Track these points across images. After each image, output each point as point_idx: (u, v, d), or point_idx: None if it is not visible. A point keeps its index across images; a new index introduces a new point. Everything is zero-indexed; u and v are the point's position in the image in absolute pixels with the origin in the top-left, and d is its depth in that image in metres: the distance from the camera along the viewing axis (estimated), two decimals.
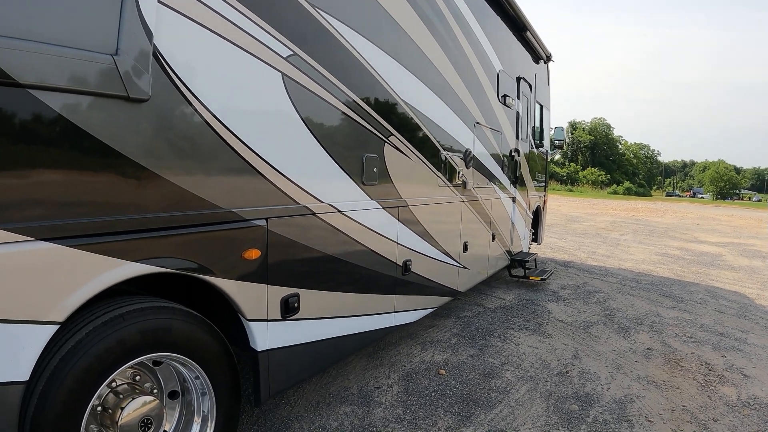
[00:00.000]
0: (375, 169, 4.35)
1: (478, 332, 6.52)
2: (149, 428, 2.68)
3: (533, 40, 9.44)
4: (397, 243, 4.85)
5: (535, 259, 9.95)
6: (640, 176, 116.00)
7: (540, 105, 10.73)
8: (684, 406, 4.82)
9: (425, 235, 5.42)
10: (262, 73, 3.11)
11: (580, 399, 4.80)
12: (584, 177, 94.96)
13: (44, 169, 2.06)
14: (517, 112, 8.74)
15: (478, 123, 6.70)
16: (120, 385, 2.64)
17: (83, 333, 2.30)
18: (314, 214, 3.63)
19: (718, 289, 10.30)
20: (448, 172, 5.89)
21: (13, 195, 1.96)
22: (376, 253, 4.51)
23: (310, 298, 3.66)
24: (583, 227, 21.95)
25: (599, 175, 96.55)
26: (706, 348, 6.49)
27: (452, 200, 6.10)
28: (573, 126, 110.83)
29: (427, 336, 6.24)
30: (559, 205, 38.42)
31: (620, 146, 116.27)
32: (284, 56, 3.24)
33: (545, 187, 12.03)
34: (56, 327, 2.15)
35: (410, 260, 5.12)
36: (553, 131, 12.07)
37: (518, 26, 8.64)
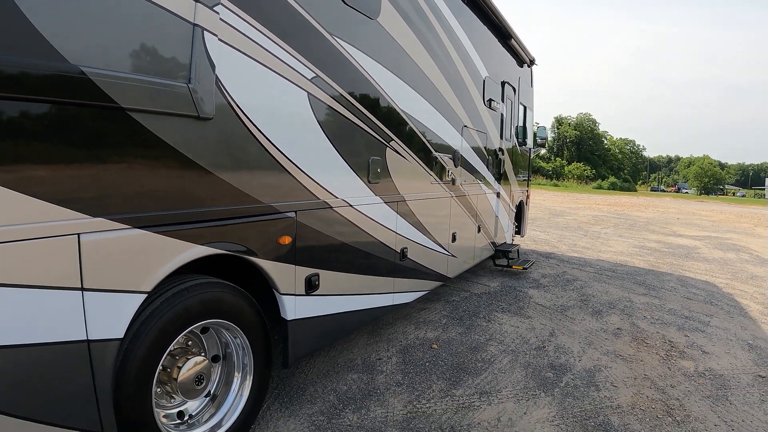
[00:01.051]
0: (378, 169, 5.05)
1: (465, 314, 7.23)
2: (201, 383, 3.37)
3: (517, 47, 10.16)
4: (396, 233, 5.54)
5: (518, 250, 10.66)
6: (625, 171, 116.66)
7: (524, 106, 11.44)
8: (646, 375, 5.49)
9: (419, 226, 6.11)
10: (292, 93, 3.79)
11: (555, 368, 5.49)
12: (570, 172, 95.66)
13: (135, 173, 2.70)
14: (502, 114, 9.45)
15: (465, 126, 7.40)
16: (175, 348, 3.30)
17: (159, 302, 2.95)
18: (331, 207, 4.33)
19: (689, 279, 10.96)
20: (439, 170, 6.59)
21: (114, 193, 2.60)
22: (379, 241, 5.20)
23: (327, 278, 4.37)
24: (566, 221, 22.65)
25: (584, 170, 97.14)
26: (671, 329, 7.16)
27: (442, 195, 6.80)
28: (559, 121, 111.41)
29: (420, 317, 6.94)
30: (543, 199, 39.06)
31: (606, 141, 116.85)
32: (309, 78, 3.92)
33: (528, 182, 12.76)
34: (144, 296, 2.81)
35: (407, 248, 5.81)
36: (536, 130, 12.82)
37: (503, 34, 9.35)
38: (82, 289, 2.45)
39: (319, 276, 4.23)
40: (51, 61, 2.26)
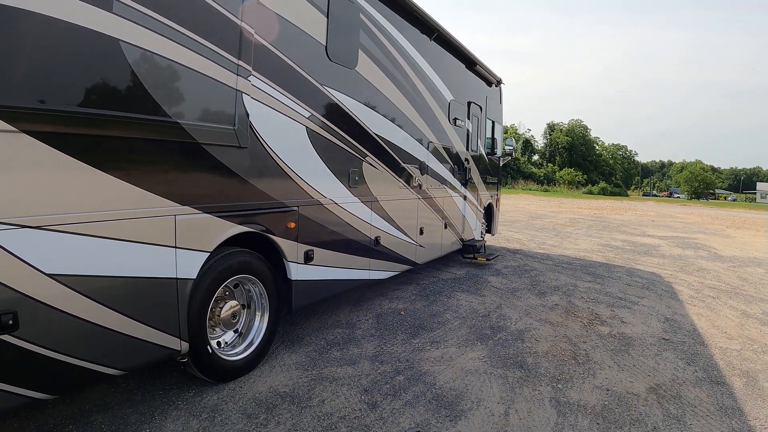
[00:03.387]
0: (357, 177, 6.87)
1: (431, 293, 9.02)
2: (235, 318, 5.17)
3: (482, 71, 12.03)
4: (371, 225, 7.35)
5: (484, 245, 12.49)
6: (617, 176, 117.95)
7: (492, 121, 13.31)
8: (566, 335, 7.08)
9: (390, 221, 7.91)
10: (295, 128, 5.66)
11: (493, 328, 7.19)
12: (561, 177, 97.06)
13: (204, 179, 4.50)
14: (468, 130, 11.30)
15: (431, 142, 9.23)
16: (220, 296, 5.04)
17: (215, 259, 4.73)
18: (322, 204, 6.18)
19: (637, 270, 12.46)
20: (407, 178, 8.41)
21: (193, 192, 4.38)
22: (358, 230, 7.01)
23: (319, 253, 6.19)
24: (543, 223, 24.30)
25: (576, 176, 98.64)
26: (601, 306, 8.72)
27: (410, 197, 8.61)
28: (551, 127, 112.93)
29: (394, 294, 8.74)
30: (528, 204, 40.65)
31: (597, 147, 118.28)
32: (306, 116, 5.78)
33: (497, 187, 14.56)
34: (208, 254, 4.58)
35: (380, 236, 7.62)
36: (505, 141, 14.67)
37: (469, 62, 11.22)
38: (176, 247, 4.23)
39: (314, 251, 6.06)
40: (162, 117, 4.06)
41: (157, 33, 3.96)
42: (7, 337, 3.13)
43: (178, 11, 4.13)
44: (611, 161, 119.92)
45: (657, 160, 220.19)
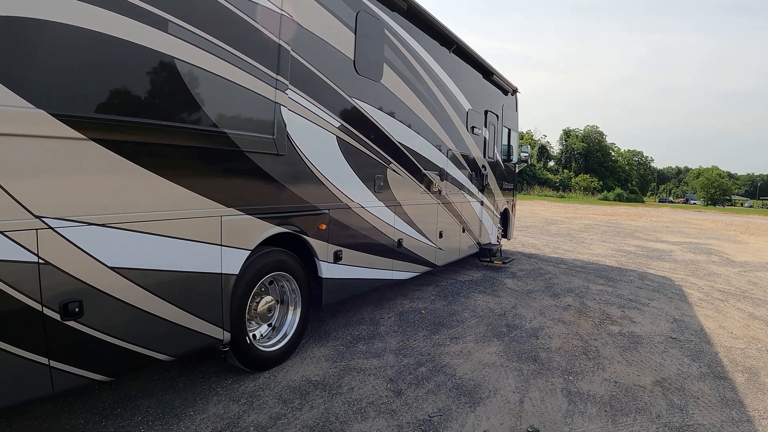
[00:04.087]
0: (382, 183, 7.32)
1: (449, 293, 9.43)
2: (270, 313, 5.61)
3: (499, 81, 12.46)
4: (394, 228, 7.78)
5: (500, 248, 12.84)
6: (633, 182, 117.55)
7: (508, 128, 13.73)
8: (577, 332, 7.42)
9: (412, 224, 8.33)
10: (326, 137, 6.12)
11: (509, 326, 7.57)
12: (576, 183, 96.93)
13: (247, 184, 4.96)
14: (485, 138, 11.71)
15: (450, 149, 9.66)
16: (257, 292, 5.46)
17: (255, 257, 5.17)
18: (350, 208, 6.63)
19: (649, 274, 12.71)
20: (428, 183, 8.84)
21: (237, 195, 4.82)
22: (382, 232, 7.45)
23: (347, 253, 6.63)
24: (558, 229, 24.58)
25: (591, 182, 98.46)
26: (612, 307, 9.03)
27: (430, 202, 9.04)
28: (567, 133, 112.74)
29: (414, 295, 9.16)
30: (543, 209, 40.84)
31: (613, 153, 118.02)
32: (336, 126, 6.24)
33: (513, 192, 14.95)
34: (249, 252, 5.02)
35: (402, 239, 8.04)
36: (520, 148, 15.08)
37: (486, 72, 11.65)
38: (221, 245, 4.68)
39: (342, 251, 6.51)
40: (210, 127, 4.53)
41: (205, 51, 4.43)
42: (72, 323, 3.56)
43: (224, 31, 4.60)
44: (627, 167, 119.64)
45: (673, 166, 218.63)
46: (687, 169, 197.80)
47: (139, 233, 3.95)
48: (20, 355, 3.31)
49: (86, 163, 3.60)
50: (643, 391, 5.48)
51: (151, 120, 4.03)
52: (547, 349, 6.66)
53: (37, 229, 3.32)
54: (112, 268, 3.78)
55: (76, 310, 3.55)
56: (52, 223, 3.40)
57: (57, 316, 3.46)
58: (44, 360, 3.44)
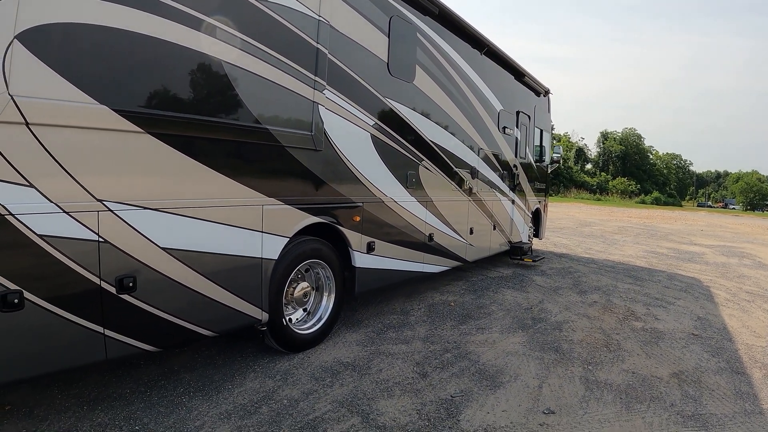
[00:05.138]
0: (414, 179, 7.68)
1: (479, 288, 9.73)
2: (306, 297, 6.01)
3: (531, 82, 12.75)
4: (425, 222, 8.12)
5: (531, 247, 13.09)
6: (671, 186, 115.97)
7: (540, 129, 14.00)
8: (601, 327, 7.62)
9: (443, 220, 8.66)
10: (361, 134, 6.52)
11: (535, 319, 7.82)
12: (614, 186, 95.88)
13: (287, 177, 5.37)
14: (516, 138, 11.98)
15: (481, 149, 9.97)
16: (294, 278, 5.85)
17: (293, 244, 5.57)
18: (383, 202, 7.01)
19: (678, 275, 12.74)
20: (459, 181, 9.16)
21: (278, 186, 5.23)
22: (414, 226, 7.80)
23: (380, 245, 7.01)
24: (591, 230, 24.59)
25: (629, 185, 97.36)
26: (638, 304, 9.18)
27: (462, 199, 9.37)
28: (604, 136, 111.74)
29: (444, 288, 9.49)
30: (578, 212, 40.58)
31: (651, 156, 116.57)
32: (371, 125, 6.63)
33: (545, 193, 15.17)
34: (288, 239, 5.42)
35: (433, 233, 8.37)
36: (553, 149, 15.31)
37: (518, 73, 11.94)
38: (262, 231, 5.09)
39: (375, 243, 6.89)
40: (255, 123, 4.95)
41: (250, 54, 4.86)
42: (126, 297, 3.98)
43: (266, 36, 5.03)
44: (665, 171, 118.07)
45: (712, 170, 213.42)
46: (726, 173, 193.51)
47: (188, 218, 4.37)
48: (79, 323, 3.73)
49: (143, 154, 4.04)
50: (660, 381, 5.70)
51: (201, 116, 4.47)
52: (570, 341, 6.90)
53: (98, 211, 3.75)
54: (164, 249, 4.20)
55: (131, 285, 3.97)
56: (112, 206, 3.83)
57: (113, 290, 3.88)
58: (100, 329, 3.85)
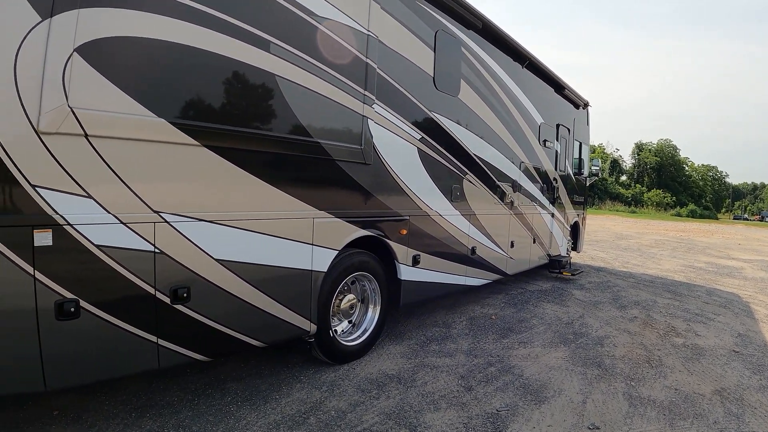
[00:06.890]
0: (458, 193, 7.73)
1: (519, 302, 9.72)
2: (353, 309, 6.07)
3: (570, 95, 12.72)
4: (469, 236, 8.15)
5: (569, 261, 13.04)
6: (707, 198, 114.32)
7: (579, 142, 13.94)
8: (642, 342, 7.56)
9: (485, 233, 8.68)
10: (408, 148, 6.59)
11: (576, 334, 7.79)
12: (649, 198, 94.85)
13: (337, 190, 5.46)
14: (556, 151, 11.97)
15: (522, 162, 9.98)
16: (341, 290, 5.91)
17: (341, 257, 5.64)
18: (429, 215, 7.07)
19: (717, 290, 12.57)
20: (501, 194, 9.18)
21: (328, 200, 5.31)
22: (458, 239, 7.84)
23: (425, 258, 7.05)
24: (628, 243, 24.36)
25: (664, 197, 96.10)
26: (678, 320, 9.08)
27: (503, 213, 9.38)
28: (639, 147, 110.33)
29: (485, 302, 9.49)
30: (614, 224, 40.29)
31: (687, 168, 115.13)
32: (417, 138, 6.70)
33: (584, 206, 15.09)
34: (337, 251, 5.50)
35: (476, 247, 8.40)
36: (591, 162, 15.24)
37: (558, 86, 11.93)
38: (312, 244, 5.17)
39: (420, 256, 6.93)
40: (306, 137, 5.04)
41: (302, 68, 4.95)
42: (180, 307, 4.06)
43: (318, 50, 5.12)
44: (701, 183, 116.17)
45: (749, 182, 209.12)
46: (763, 185, 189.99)
47: (241, 230, 4.47)
48: (133, 332, 3.81)
49: (198, 167, 4.14)
50: (702, 398, 5.65)
51: (255, 130, 4.58)
52: (612, 356, 6.86)
53: (155, 223, 3.84)
54: (218, 260, 4.29)
55: (185, 295, 4.06)
56: (168, 217, 3.92)
57: (167, 300, 3.97)
58: (153, 338, 3.94)
